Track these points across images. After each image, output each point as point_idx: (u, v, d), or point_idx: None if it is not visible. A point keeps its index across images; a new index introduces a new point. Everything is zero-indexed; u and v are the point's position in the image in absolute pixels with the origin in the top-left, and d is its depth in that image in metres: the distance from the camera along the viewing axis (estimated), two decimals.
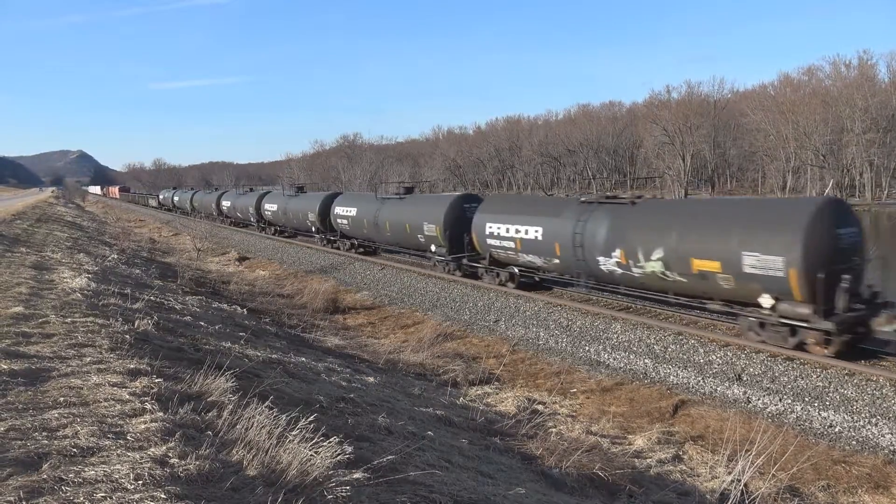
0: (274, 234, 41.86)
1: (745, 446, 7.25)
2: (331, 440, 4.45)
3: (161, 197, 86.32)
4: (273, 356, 9.60)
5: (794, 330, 12.75)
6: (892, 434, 9.89)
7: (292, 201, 37.76)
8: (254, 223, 45.34)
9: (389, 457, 4.82)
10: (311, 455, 4.14)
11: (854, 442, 9.98)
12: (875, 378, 11.23)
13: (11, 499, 3.27)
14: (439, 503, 4.30)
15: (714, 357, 13.27)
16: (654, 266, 14.76)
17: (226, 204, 51.45)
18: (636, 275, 15.38)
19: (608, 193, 18.67)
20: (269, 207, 41.72)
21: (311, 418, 4.97)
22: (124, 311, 9.65)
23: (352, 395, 7.85)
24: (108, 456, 3.92)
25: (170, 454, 3.99)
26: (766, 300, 12.72)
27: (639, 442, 9.77)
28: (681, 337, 14.47)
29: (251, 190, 54.51)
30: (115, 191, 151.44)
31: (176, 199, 73.95)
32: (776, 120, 75.39)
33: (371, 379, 10.32)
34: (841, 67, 75.46)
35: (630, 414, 11.48)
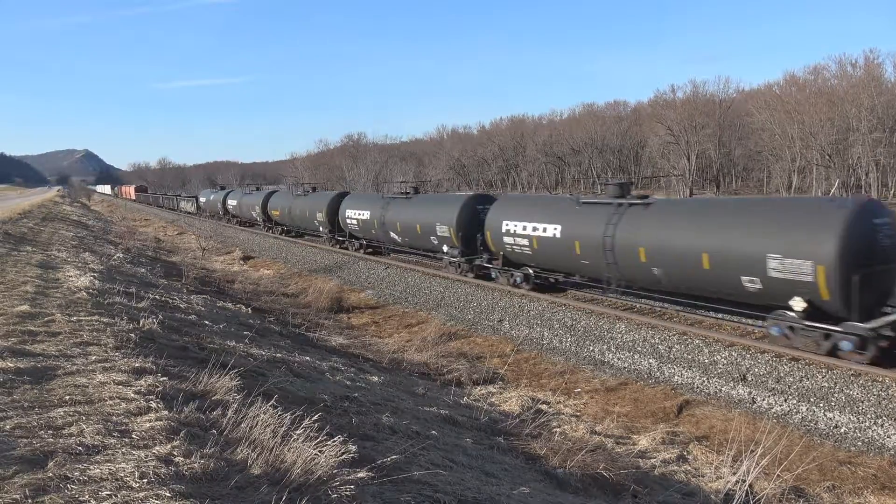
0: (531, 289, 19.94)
1: (750, 447, 7.24)
2: (335, 439, 4.45)
3: (202, 200, 61.97)
4: (277, 355, 9.62)
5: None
6: None
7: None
8: (449, 258, 23.01)
9: (394, 456, 4.82)
10: (316, 454, 4.15)
11: (860, 443, 9.93)
12: (881, 378, 11.18)
13: (17, 496, 3.28)
14: (444, 502, 4.29)
15: (719, 357, 13.23)
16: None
17: (357, 216, 29.02)
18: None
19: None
20: (515, 229, 19.83)
21: (316, 417, 4.97)
22: (129, 309, 9.68)
23: (356, 395, 7.86)
24: (113, 454, 3.94)
25: (174, 453, 4.00)
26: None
27: (643, 442, 9.75)
28: (685, 337, 14.44)
29: (416, 192, 28.11)
30: (129, 191, 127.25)
31: (231, 203, 50.16)
32: (782, 119, 75.03)
33: (375, 378, 10.33)
34: (847, 67, 74.98)
35: (634, 414, 11.45)
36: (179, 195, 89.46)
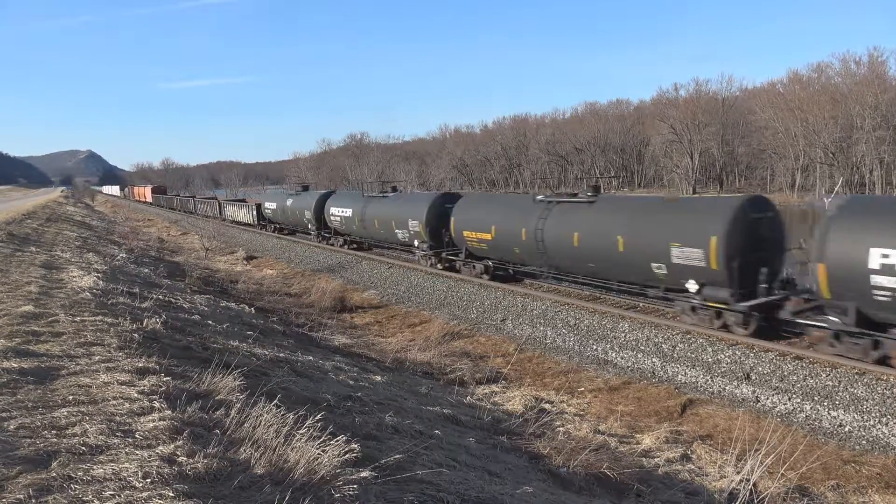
0: None
1: (754, 446, 7.21)
2: (338, 439, 4.45)
3: (270, 206, 41.33)
4: (280, 355, 9.63)
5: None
6: None
7: None
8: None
9: (397, 455, 4.82)
10: (319, 454, 4.14)
11: (864, 442, 9.91)
12: (885, 377, 11.14)
13: (21, 496, 3.29)
14: (447, 502, 4.29)
15: (722, 356, 13.20)
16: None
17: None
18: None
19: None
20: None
21: (319, 417, 4.97)
22: (133, 309, 9.70)
23: (359, 394, 7.86)
24: (116, 454, 3.94)
25: (178, 452, 4.00)
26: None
27: (647, 441, 9.74)
28: (689, 336, 14.40)
29: None
30: (144, 192, 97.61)
31: (339, 213, 31.30)
32: (785, 118, 74.91)
33: (378, 378, 10.33)
34: (851, 64, 74.83)
35: (638, 413, 11.44)
36: (214, 198, 68.02)
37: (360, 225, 29.04)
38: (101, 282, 12.06)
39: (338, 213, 31.70)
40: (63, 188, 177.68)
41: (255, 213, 45.06)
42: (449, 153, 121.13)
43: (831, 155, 70.44)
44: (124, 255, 21.53)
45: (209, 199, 66.37)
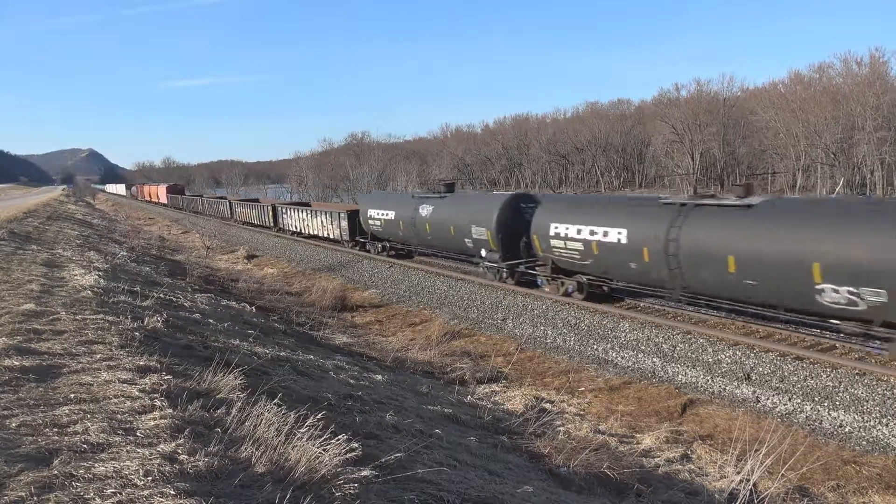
0: None
1: (754, 446, 7.21)
2: (339, 438, 4.46)
3: (382, 217, 27.05)
4: (281, 354, 9.64)
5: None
6: None
7: None
8: None
9: (397, 454, 4.83)
10: (320, 452, 4.15)
11: (864, 442, 9.91)
12: (886, 378, 11.14)
13: (23, 494, 3.30)
14: (448, 501, 4.30)
15: (723, 356, 13.20)
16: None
17: None
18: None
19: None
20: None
21: (320, 416, 4.97)
22: (134, 308, 9.71)
23: (360, 393, 7.87)
24: (117, 452, 3.95)
25: (179, 451, 4.01)
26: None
27: (647, 441, 9.74)
28: (689, 336, 14.41)
29: None
30: (157, 192, 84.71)
31: (576, 237, 16.86)
32: (786, 118, 74.79)
33: (379, 377, 10.34)
34: (852, 65, 74.64)
35: (638, 413, 11.44)
36: (257, 199, 53.13)
37: (667, 263, 14.45)
38: (102, 280, 12.07)
39: (579, 234, 17.15)
40: (64, 186, 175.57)
41: (345, 223, 30.61)
42: (450, 152, 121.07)
43: (832, 155, 70.39)
44: (125, 254, 21.53)
45: (250, 201, 50.83)
